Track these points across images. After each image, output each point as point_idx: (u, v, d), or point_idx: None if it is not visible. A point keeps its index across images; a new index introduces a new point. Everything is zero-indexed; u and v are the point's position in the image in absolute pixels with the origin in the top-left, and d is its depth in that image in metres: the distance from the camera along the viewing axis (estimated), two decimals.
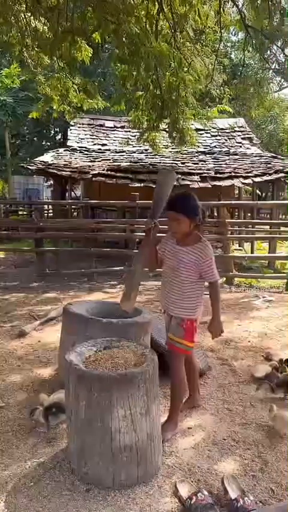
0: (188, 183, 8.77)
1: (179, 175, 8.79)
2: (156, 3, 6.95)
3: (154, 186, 2.94)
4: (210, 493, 2.17)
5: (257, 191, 14.53)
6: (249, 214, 11.91)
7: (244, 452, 2.58)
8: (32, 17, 7.12)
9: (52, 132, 24.66)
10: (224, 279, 7.37)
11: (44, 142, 23.92)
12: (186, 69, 7.84)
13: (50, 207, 15.11)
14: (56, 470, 2.37)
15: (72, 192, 14.99)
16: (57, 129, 24.24)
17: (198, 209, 2.65)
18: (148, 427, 2.27)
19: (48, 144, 23.92)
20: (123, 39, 6.53)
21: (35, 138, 23.51)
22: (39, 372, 3.72)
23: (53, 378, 3.57)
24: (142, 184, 8.77)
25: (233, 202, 10.37)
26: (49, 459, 2.48)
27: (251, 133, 13.74)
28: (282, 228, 8.98)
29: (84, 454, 2.26)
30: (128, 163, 10.00)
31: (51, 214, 14.54)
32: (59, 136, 25.06)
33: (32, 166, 9.77)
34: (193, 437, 2.72)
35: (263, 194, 20.60)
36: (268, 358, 3.96)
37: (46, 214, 13.55)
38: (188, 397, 3.05)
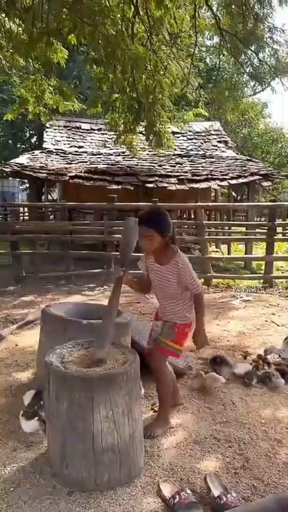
0: (166, 185, 8.82)
1: (157, 178, 8.84)
2: (132, 6, 6.98)
3: (121, 230, 2.86)
4: (193, 491, 2.17)
5: (233, 193, 14.73)
6: (225, 217, 12.06)
7: (226, 450, 2.59)
8: (6, 18, 7.03)
9: (27, 134, 24.41)
10: (202, 280, 7.41)
11: (19, 145, 23.64)
12: (162, 72, 7.88)
13: (26, 209, 14.91)
14: (37, 474, 2.33)
15: (49, 195, 14.86)
16: (32, 132, 24.01)
17: (169, 225, 2.64)
18: (130, 427, 2.25)
19: (23, 146, 23.66)
20: (99, 41, 6.53)
21: (9, 141, 23.19)
22: (18, 376, 3.66)
23: (32, 382, 3.51)
24: (120, 187, 8.76)
25: (210, 204, 10.48)
26: (29, 463, 2.43)
27: (226, 136, 13.92)
28: (257, 230, 9.12)
29: (65, 457, 2.23)
30: (106, 166, 9.98)
31: (27, 217, 14.36)
32: (34, 139, 24.84)
33: (7, 168, 9.62)
34: (175, 437, 2.72)
35: (238, 197, 20.90)
36: (247, 357, 4.00)
37: (22, 217, 13.37)
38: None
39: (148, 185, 8.90)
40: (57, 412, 2.22)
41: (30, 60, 7.81)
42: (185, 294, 2.74)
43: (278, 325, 5.07)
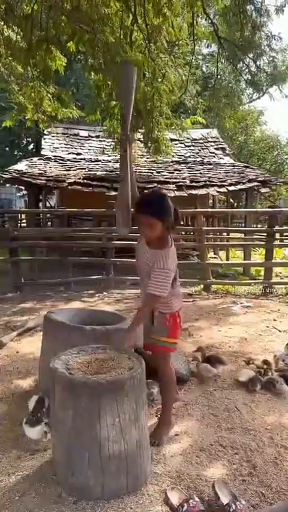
0: (164, 191, 8.82)
1: (155, 184, 8.85)
2: (130, 14, 7.02)
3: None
4: (201, 499, 2.15)
5: (230, 200, 14.77)
6: (224, 224, 12.08)
7: (232, 457, 2.56)
8: (4, 26, 7.06)
9: (24, 141, 24.45)
10: (202, 286, 7.41)
11: (16, 152, 23.67)
12: (160, 79, 7.93)
13: (23, 216, 14.89)
14: (42, 483, 2.29)
15: (47, 202, 14.86)
16: (29, 139, 24.06)
17: (170, 209, 2.47)
18: (137, 434, 2.22)
19: (20, 153, 23.68)
20: (98, 48, 6.57)
21: (6, 148, 23.22)
22: (19, 383, 3.62)
23: (34, 389, 3.47)
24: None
25: (210, 210, 10.51)
26: (34, 471, 2.39)
27: (223, 143, 14.00)
28: (256, 236, 9.14)
29: (71, 465, 2.19)
30: (104, 172, 9.99)
31: (25, 223, 14.34)
32: (31, 146, 24.88)
33: (6, 175, 9.62)
34: (180, 444, 2.69)
35: (235, 204, 20.97)
36: (249, 363, 3.98)
37: (19, 224, 13.34)
38: None
39: (147, 192, 8.90)
40: (63, 419, 2.19)
41: (29, 68, 7.84)
42: None
43: (280, 331, 5.05)
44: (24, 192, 20.31)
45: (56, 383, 2.22)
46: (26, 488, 2.25)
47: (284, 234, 11.57)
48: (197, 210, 8.01)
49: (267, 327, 5.23)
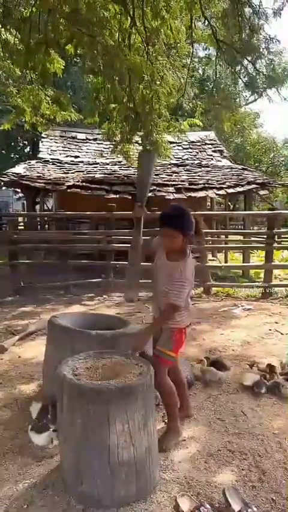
0: (164, 194, 8.82)
1: (154, 187, 8.83)
2: (128, 17, 7.02)
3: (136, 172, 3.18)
4: (212, 506, 2.12)
5: (228, 202, 14.79)
6: (222, 226, 12.08)
7: (241, 462, 2.54)
8: (2, 29, 7.04)
9: (21, 144, 24.41)
10: (202, 288, 7.39)
11: (12, 155, 23.62)
12: (158, 82, 7.92)
13: (20, 219, 14.84)
14: (50, 491, 2.26)
15: (44, 205, 14.82)
16: (26, 142, 24.02)
17: (193, 224, 2.61)
18: (146, 440, 2.20)
19: (17, 156, 23.63)
20: (97, 51, 6.56)
21: (3, 151, 23.17)
22: (23, 389, 3.59)
23: (38, 394, 3.44)
24: (118, 196, 8.75)
25: (210, 212, 10.50)
26: (41, 479, 2.36)
27: (221, 146, 14.01)
28: (254, 238, 9.14)
29: (80, 472, 2.16)
30: (103, 175, 9.96)
31: (22, 227, 14.29)
32: (27, 149, 24.84)
33: (5, 178, 9.57)
34: (188, 450, 2.67)
35: (231, 206, 21.00)
36: (253, 367, 3.96)
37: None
38: (180, 408, 3.00)
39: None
40: (71, 426, 2.16)
41: (28, 71, 7.81)
42: None
43: (282, 334, 5.04)
44: (21, 194, 20.27)
45: (64, 389, 2.20)
46: (34, 497, 2.22)
47: (282, 236, 11.58)
48: (197, 212, 7.96)
49: (270, 329, 5.22)
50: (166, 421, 2.94)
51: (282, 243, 11.18)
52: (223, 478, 2.39)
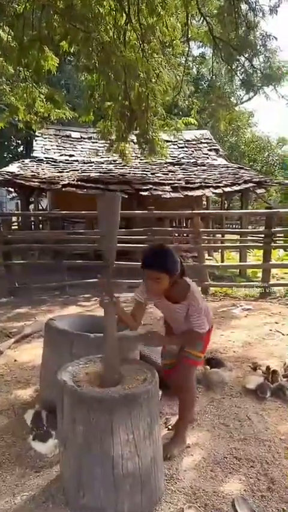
0: (160, 193, 8.72)
1: (151, 186, 8.73)
2: (124, 13, 6.91)
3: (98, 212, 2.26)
4: None
5: (224, 201, 14.71)
6: (218, 225, 12.00)
7: (248, 470, 2.44)
8: None
9: (14, 143, 24.21)
10: (200, 288, 7.30)
11: (5, 154, 23.42)
12: (154, 80, 7.81)
13: (14, 219, 14.67)
14: (49, 504, 2.15)
15: (38, 204, 14.67)
16: (19, 141, 23.82)
17: (177, 262, 2.40)
18: (151, 450, 2.10)
19: (10, 155, 23.43)
20: (92, 47, 6.44)
21: None
22: (19, 394, 3.47)
23: (35, 400, 3.32)
24: None
25: (207, 211, 10.41)
26: (40, 491, 2.25)
27: (217, 144, 13.94)
28: (253, 238, 9.06)
29: (81, 484, 2.05)
30: (98, 174, 9.84)
31: (16, 226, 14.13)
32: (21, 148, 24.65)
33: None
34: (193, 457, 2.57)
35: (226, 205, 20.93)
36: (255, 368, 3.87)
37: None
38: None
39: (142, 193, 8.79)
40: (73, 435, 2.05)
41: (21, 68, 7.67)
42: None
43: (283, 334, 4.96)
44: (14, 194, 20.07)
45: (65, 397, 2.09)
46: (33, 510, 2.11)
47: (278, 235, 11.52)
48: (194, 211, 7.87)
49: (270, 330, 5.14)
50: (169, 427, 2.84)
51: (277, 241, 11.15)
52: (230, 487, 2.30)
